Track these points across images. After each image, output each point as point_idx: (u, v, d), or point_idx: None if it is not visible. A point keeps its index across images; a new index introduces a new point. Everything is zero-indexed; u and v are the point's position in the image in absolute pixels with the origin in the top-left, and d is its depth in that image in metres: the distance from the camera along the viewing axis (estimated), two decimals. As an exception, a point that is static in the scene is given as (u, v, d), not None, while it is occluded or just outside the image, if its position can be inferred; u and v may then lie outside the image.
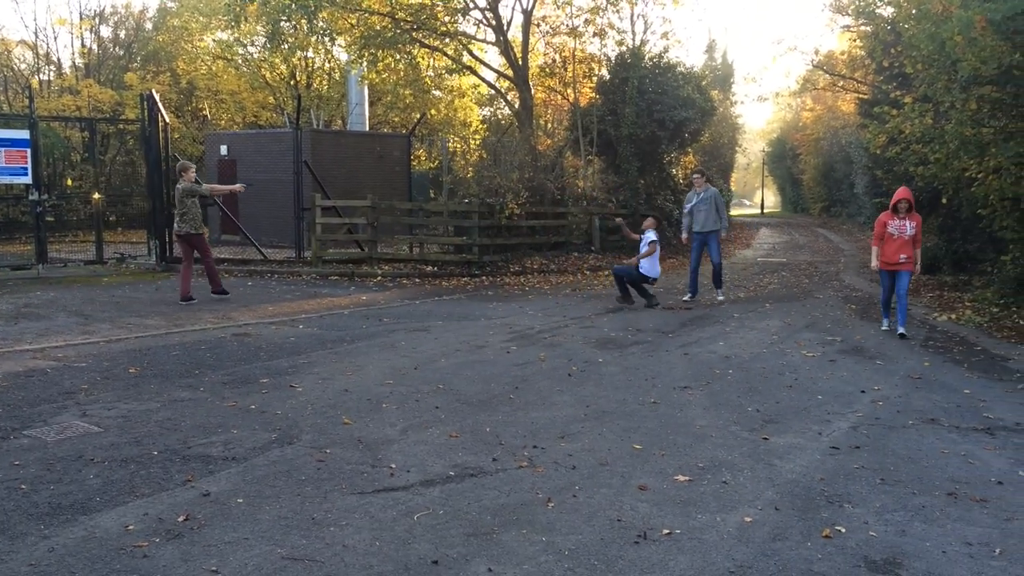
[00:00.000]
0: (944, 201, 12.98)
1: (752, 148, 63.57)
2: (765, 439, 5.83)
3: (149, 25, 34.19)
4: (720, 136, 37.39)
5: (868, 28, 18.97)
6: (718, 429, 6.07)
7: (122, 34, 33.80)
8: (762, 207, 69.60)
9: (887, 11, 16.82)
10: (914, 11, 12.36)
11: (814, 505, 4.61)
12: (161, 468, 5.00)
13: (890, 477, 5.07)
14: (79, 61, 32.44)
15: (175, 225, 12.53)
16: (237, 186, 14.08)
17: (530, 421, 6.18)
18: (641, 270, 12.43)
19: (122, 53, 33.52)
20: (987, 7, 9.24)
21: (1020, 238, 11.76)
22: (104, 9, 32.53)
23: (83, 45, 32.32)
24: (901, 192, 10.10)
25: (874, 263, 10.40)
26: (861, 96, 24.19)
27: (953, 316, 11.53)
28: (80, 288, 13.61)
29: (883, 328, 10.57)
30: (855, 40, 23.18)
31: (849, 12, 22.58)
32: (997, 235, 12.61)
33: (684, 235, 13.22)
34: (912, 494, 4.80)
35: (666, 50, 22.91)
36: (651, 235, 12.55)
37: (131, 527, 4.14)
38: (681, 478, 4.98)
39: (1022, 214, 11.32)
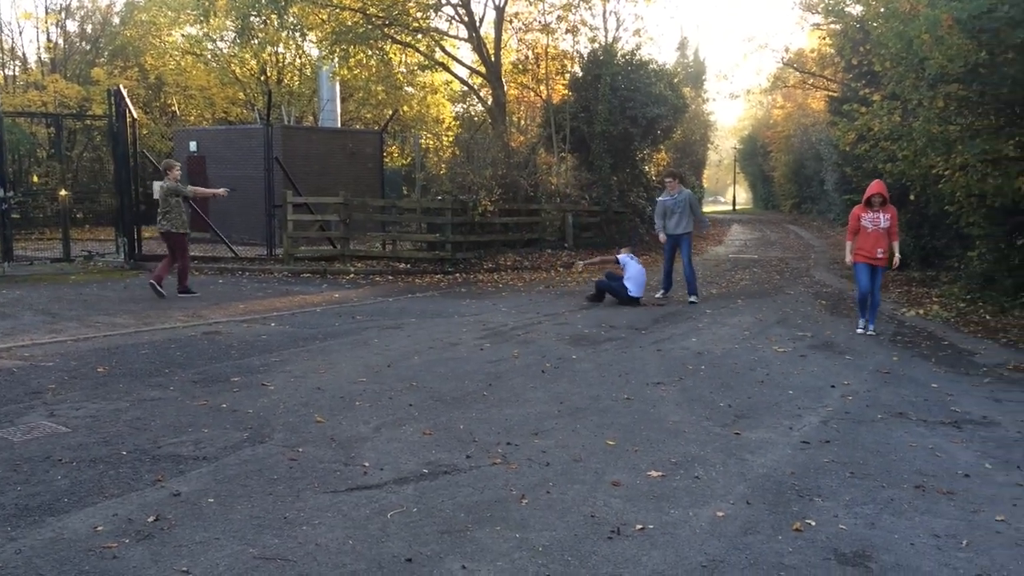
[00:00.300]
0: (912, 198, 13.16)
1: (724, 145, 64.04)
2: (737, 434, 5.87)
3: (116, 20, 33.71)
4: (692, 133, 37.65)
5: (837, 26, 19.14)
6: (691, 425, 6.11)
7: (89, 29, 33.31)
8: (734, 204, 70.23)
9: (856, 9, 16.99)
10: (882, 9, 12.51)
11: (785, 499, 4.65)
12: (130, 468, 4.94)
13: (859, 471, 5.13)
14: (45, 56, 31.96)
15: (158, 223, 12.53)
16: (220, 190, 13.79)
17: (504, 418, 6.19)
18: (629, 293, 12.37)
19: (89, 48, 33.05)
20: (953, 6, 9.35)
21: (986, 234, 11.96)
22: (70, 3, 31.93)
23: (49, 40, 31.84)
24: (875, 186, 9.89)
25: (848, 258, 10.13)
26: (831, 94, 24.42)
27: (921, 311, 11.68)
28: (47, 286, 13.42)
29: (858, 331, 10.12)
30: (825, 38, 23.40)
31: (819, 10, 22.76)
32: (964, 231, 12.81)
33: (662, 236, 13.17)
34: (881, 487, 4.86)
35: (638, 47, 23.03)
36: (624, 258, 12.64)
37: (100, 528, 4.09)
38: (654, 474, 5.01)
39: (988, 211, 11.49)
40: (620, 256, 12.75)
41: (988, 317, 10.91)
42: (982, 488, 4.87)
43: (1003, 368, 8.21)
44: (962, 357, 8.81)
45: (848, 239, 10.16)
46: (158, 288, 12.04)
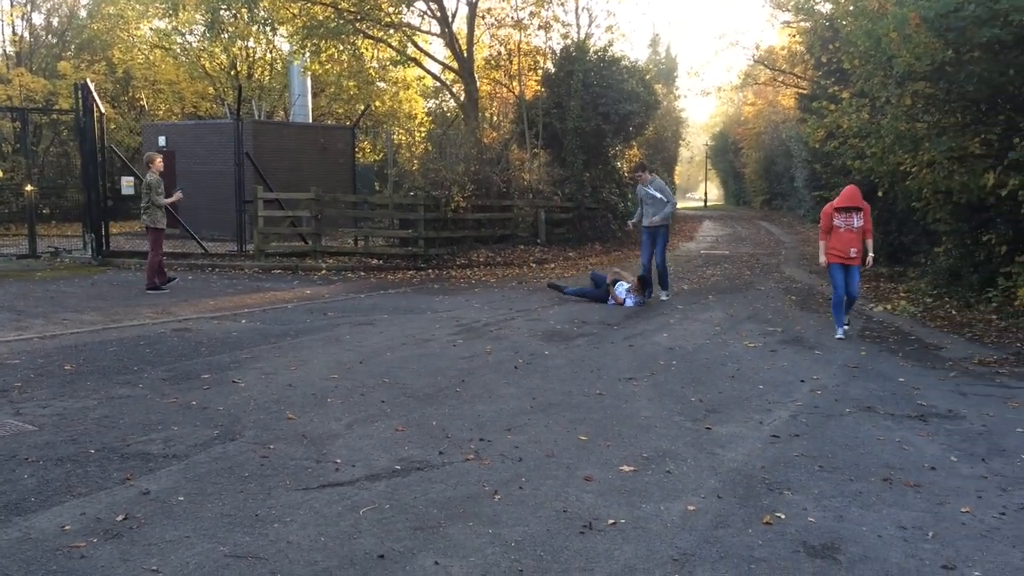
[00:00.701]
0: (880, 194, 13.29)
1: (695, 142, 64.44)
2: (708, 429, 5.92)
3: (83, 12, 33.32)
4: (664, 130, 37.82)
5: (807, 24, 19.34)
6: (662, 419, 6.14)
7: (55, 22, 32.90)
8: (705, 200, 70.68)
9: (825, 7, 17.18)
10: (851, 8, 12.64)
11: (755, 493, 4.69)
12: (99, 467, 4.88)
13: (828, 464, 5.19)
14: (10, 49, 31.50)
15: (141, 217, 12.92)
16: (177, 194, 13.53)
17: (476, 414, 6.19)
18: (607, 303, 12.03)
19: (55, 41, 32.61)
20: (921, 4, 9.47)
21: (952, 230, 12.12)
22: (36, -4, 31.54)
23: (14, 33, 31.39)
24: (848, 198, 9.39)
25: (822, 259, 9.74)
26: (801, 91, 24.63)
27: (888, 307, 11.83)
28: (12, 283, 13.21)
29: (838, 337, 9.55)
30: (795, 36, 23.62)
31: (789, 8, 22.98)
32: (931, 227, 12.98)
33: (632, 222, 13.23)
34: (849, 480, 4.91)
35: (610, 43, 23.11)
36: (622, 289, 12.08)
37: (68, 527, 4.04)
38: (626, 468, 5.03)
39: (954, 207, 11.64)
40: (617, 288, 12.07)
41: (954, 312, 11.07)
42: (948, 480, 4.95)
43: (968, 362, 8.34)
44: (928, 352, 8.93)
45: (821, 239, 9.76)
46: (163, 287, 12.55)
